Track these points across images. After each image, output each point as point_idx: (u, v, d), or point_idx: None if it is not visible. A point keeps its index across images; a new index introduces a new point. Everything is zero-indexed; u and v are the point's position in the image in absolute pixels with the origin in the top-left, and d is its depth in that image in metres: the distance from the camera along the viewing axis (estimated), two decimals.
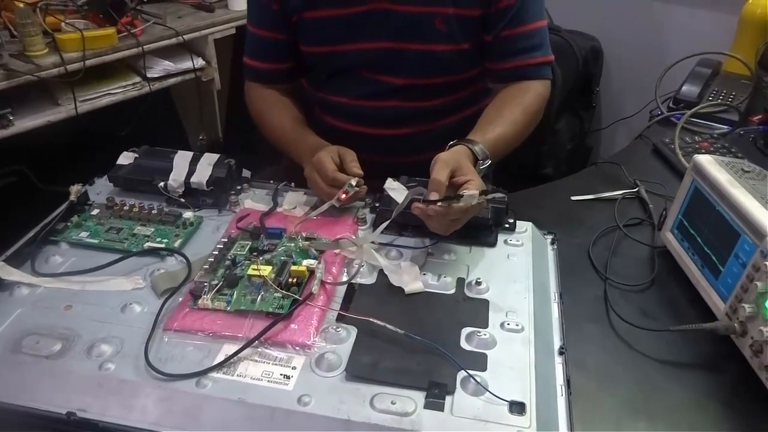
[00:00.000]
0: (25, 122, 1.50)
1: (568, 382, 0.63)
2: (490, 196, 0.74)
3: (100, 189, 0.89)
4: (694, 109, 1.22)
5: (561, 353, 0.66)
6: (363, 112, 1.05)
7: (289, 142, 0.99)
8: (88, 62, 1.52)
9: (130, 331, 0.65)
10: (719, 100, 1.31)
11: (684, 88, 1.36)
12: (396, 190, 0.82)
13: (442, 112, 1.07)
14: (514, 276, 0.74)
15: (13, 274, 0.70)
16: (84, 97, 1.57)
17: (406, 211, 0.79)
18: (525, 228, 0.83)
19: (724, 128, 1.26)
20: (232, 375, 0.60)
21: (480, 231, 0.80)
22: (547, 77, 1.01)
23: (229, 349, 0.62)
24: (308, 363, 0.61)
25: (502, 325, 0.67)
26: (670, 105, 1.35)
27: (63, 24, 1.56)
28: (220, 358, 0.61)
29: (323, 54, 1.02)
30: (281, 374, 0.60)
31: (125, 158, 0.89)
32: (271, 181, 0.91)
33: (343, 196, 0.81)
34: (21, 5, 1.45)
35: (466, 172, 0.77)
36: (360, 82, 1.03)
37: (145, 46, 1.62)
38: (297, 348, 0.63)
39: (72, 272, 0.73)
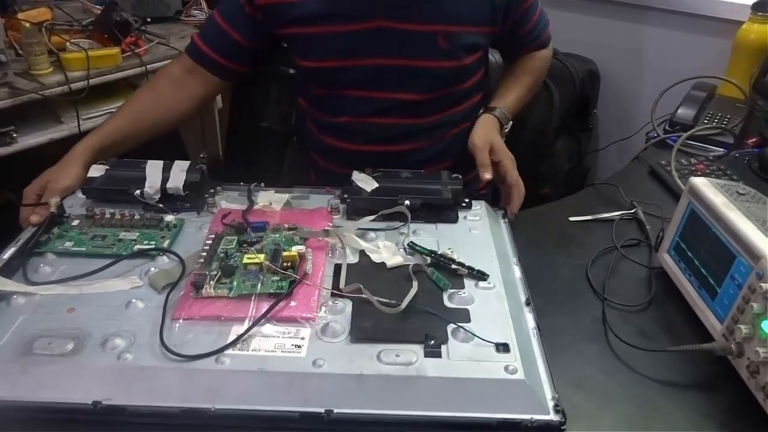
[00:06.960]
0: (28, 140, 1.49)
1: (538, 327, 0.73)
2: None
3: (72, 202, 0.90)
4: (690, 132, 1.23)
5: (528, 304, 0.76)
6: (361, 129, 1.08)
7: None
8: (92, 81, 1.52)
9: (139, 324, 0.68)
10: (714, 123, 1.31)
11: (680, 111, 1.36)
12: (363, 180, 0.90)
13: (440, 127, 1.10)
14: (478, 245, 0.84)
15: (7, 285, 0.71)
16: (87, 116, 1.57)
17: (375, 198, 0.88)
18: (479, 206, 0.94)
19: (720, 151, 1.25)
20: (248, 350, 0.65)
21: (442, 210, 0.90)
22: (549, 43, 1.20)
23: (239, 329, 0.67)
24: (315, 333, 0.68)
25: (476, 285, 0.76)
26: (666, 128, 1.35)
27: (68, 44, 1.56)
28: (232, 337, 0.66)
29: (323, 69, 1.04)
30: (292, 344, 0.66)
31: (96, 171, 0.91)
32: (241, 183, 0.96)
33: (35, 218, 0.84)
34: (27, 25, 1.45)
35: (497, 150, 0.96)
36: (358, 100, 1.05)
37: (148, 66, 1.63)
38: (302, 321, 0.69)
39: (67, 278, 0.74)
